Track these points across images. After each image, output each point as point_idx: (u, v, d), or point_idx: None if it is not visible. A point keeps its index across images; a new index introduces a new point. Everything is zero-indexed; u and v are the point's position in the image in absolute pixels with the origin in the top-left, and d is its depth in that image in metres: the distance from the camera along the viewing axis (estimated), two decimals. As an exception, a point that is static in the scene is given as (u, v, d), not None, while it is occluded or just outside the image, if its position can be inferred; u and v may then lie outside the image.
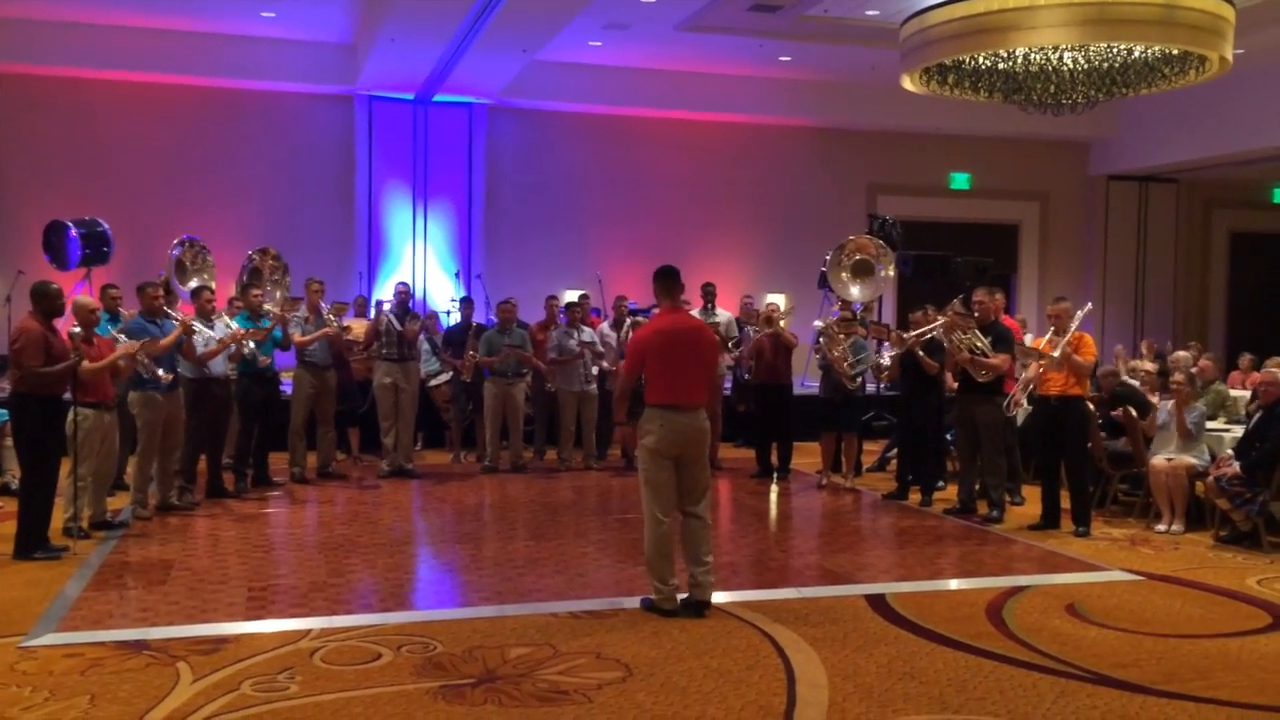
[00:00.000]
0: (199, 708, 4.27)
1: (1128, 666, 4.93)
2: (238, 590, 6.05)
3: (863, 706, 4.40)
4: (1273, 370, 7.77)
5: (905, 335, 8.90)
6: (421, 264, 14.58)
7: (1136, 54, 10.11)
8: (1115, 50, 10.01)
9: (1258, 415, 7.63)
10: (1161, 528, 7.88)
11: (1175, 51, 9.92)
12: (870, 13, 12.14)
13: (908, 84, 11.25)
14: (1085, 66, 10.39)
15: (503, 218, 14.85)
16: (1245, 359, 11.70)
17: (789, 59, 13.94)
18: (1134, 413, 8.14)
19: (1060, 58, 10.24)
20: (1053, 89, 10.75)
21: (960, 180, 16.05)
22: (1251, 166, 15.39)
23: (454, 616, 5.65)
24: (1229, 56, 10.07)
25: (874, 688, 4.61)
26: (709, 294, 10.96)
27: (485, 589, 6.25)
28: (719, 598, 5.85)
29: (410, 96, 14.25)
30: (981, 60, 10.45)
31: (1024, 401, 8.03)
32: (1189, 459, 7.85)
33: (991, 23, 9.89)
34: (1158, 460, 7.97)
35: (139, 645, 5.02)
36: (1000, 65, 10.49)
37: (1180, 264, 16.56)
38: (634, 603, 5.82)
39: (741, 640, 5.24)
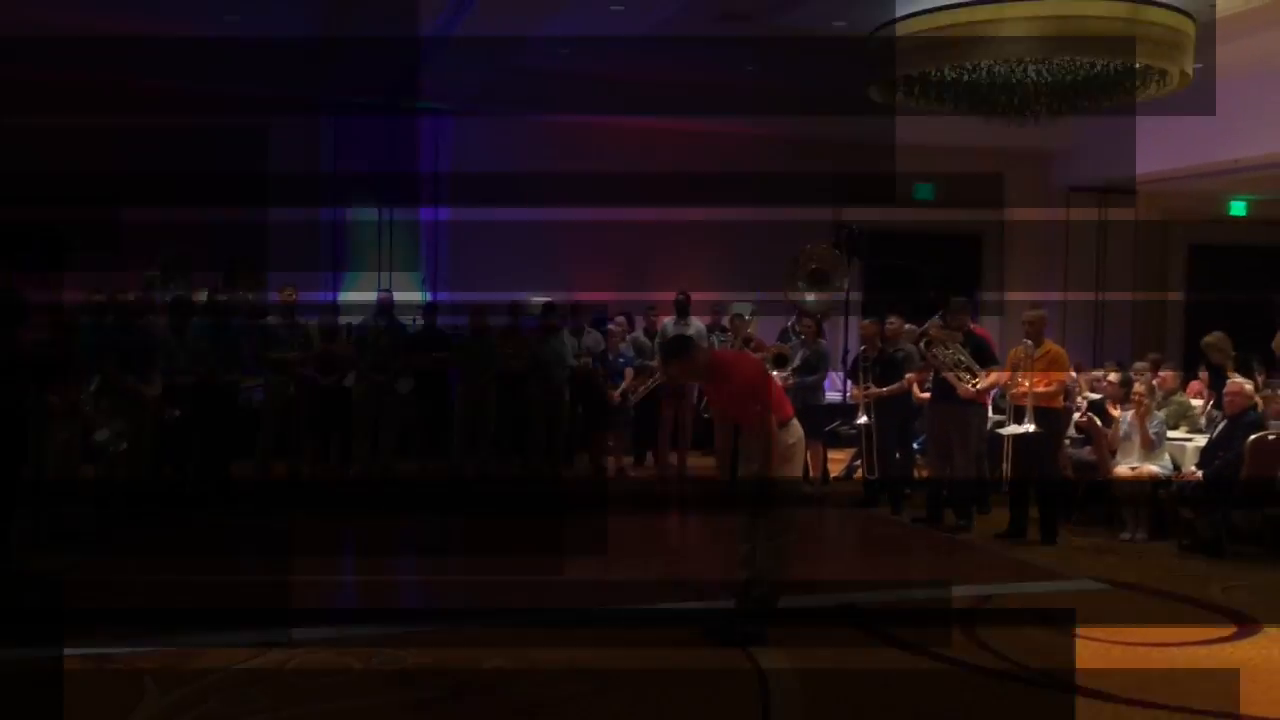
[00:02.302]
0: (166, 722, 4.20)
1: (1100, 676, 4.97)
2: (195, 602, 5.97)
3: (839, 716, 4.40)
4: (1239, 381, 7.89)
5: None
6: (388, 270, 14.50)
7: (1098, 67, 10.26)
8: (1078, 63, 10.15)
9: (1222, 424, 7.75)
10: (1126, 536, 7.97)
11: (1136, 65, 10.08)
12: (837, 23, 12.19)
13: (875, 94, 11.34)
14: (1049, 79, 10.53)
15: (470, 224, 14.77)
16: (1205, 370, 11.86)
17: (755, 68, 13.98)
18: (1099, 421, 8.23)
19: (1024, 70, 10.37)
20: (1016, 101, 10.89)
21: (924, 190, 16.16)
22: (1210, 179, 15.63)
23: (422, 628, 5.59)
24: (1189, 71, 10.24)
25: (849, 697, 4.62)
26: (681, 305, 10.94)
27: (451, 599, 6.19)
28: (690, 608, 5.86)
29: (377, 100, 14.17)
30: (947, 72, 10.56)
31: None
32: (1152, 467, 7.95)
33: (959, 35, 10.03)
34: (1121, 469, 8.05)
35: (102, 660, 4.93)
36: (965, 77, 10.61)
37: (1139, 275, 16.76)
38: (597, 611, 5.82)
39: (715, 650, 5.23)
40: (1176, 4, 9.78)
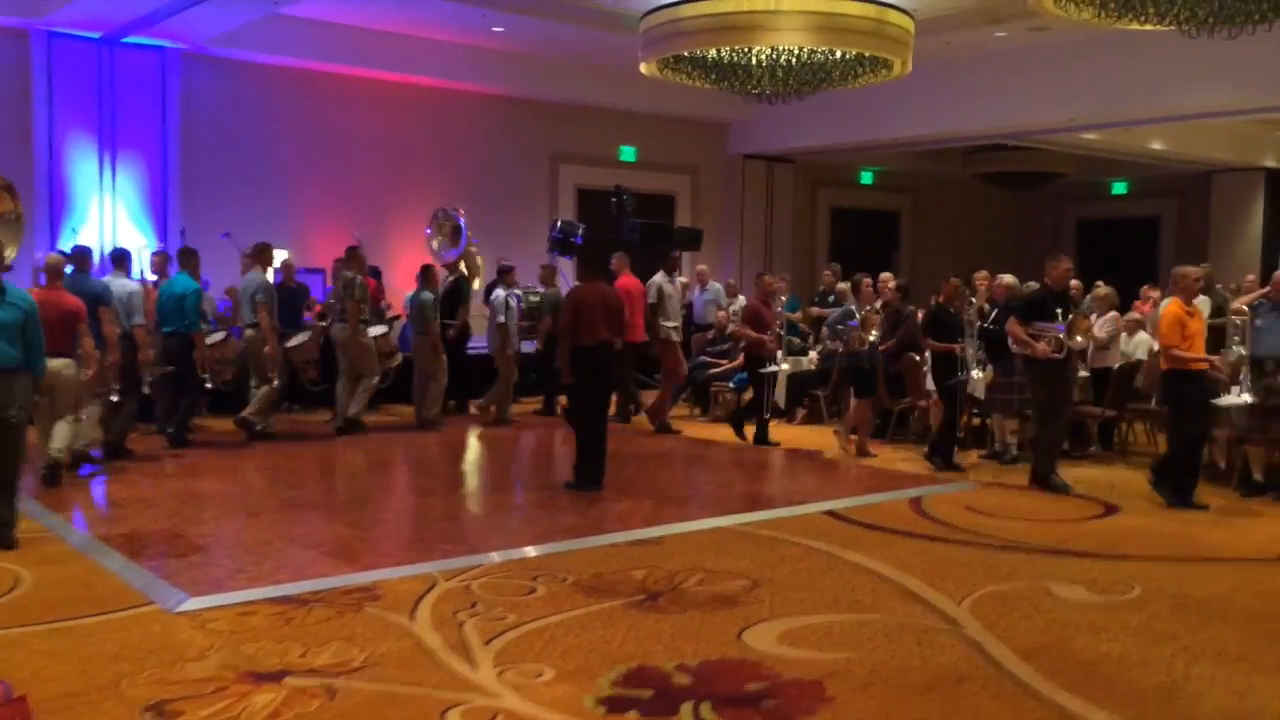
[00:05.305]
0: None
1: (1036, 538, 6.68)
2: (301, 550, 6.11)
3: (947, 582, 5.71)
4: (1001, 275, 9.92)
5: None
6: (111, 218, 13.49)
7: (847, 56, 12.10)
8: (823, 52, 11.89)
9: (994, 312, 9.68)
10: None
11: (867, 55, 12.03)
12: (605, -2, 13.12)
13: (645, 68, 12.43)
14: (805, 62, 12.23)
15: (200, 172, 14.07)
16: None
17: (502, 30, 14.49)
18: (915, 358, 10.02)
19: (790, 55, 11.97)
20: (765, 79, 12.51)
21: (628, 153, 17.53)
22: (849, 154, 18.63)
23: (548, 551, 6.21)
24: (909, 64, 12.38)
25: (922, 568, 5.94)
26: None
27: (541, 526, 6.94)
28: (722, 521, 6.93)
29: (96, 35, 13.06)
30: (724, 53, 11.92)
31: None
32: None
33: (741, 21, 11.40)
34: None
35: (297, 600, 5.06)
36: (737, 59, 12.04)
37: (797, 231, 19.38)
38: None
39: (797, 549, 6.31)
40: (906, 9, 11.87)
